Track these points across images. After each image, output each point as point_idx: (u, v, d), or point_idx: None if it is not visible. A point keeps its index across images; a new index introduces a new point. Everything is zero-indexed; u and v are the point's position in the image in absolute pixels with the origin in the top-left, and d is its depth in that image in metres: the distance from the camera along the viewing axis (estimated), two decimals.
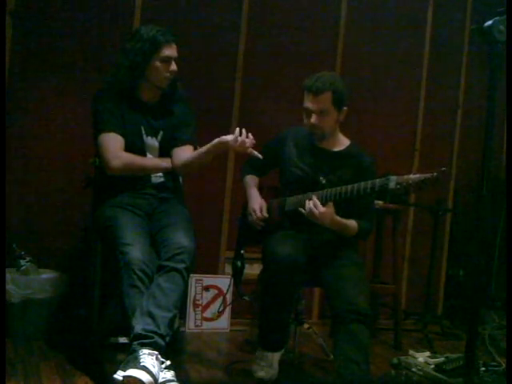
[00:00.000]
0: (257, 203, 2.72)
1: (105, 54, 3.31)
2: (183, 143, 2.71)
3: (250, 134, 2.44)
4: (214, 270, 3.63)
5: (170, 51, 2.63)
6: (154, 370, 2.15)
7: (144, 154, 2.69)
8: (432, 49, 4.17)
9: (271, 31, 3.74)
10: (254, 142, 2.44)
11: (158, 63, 2.61)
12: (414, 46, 4.15)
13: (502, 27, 1.72)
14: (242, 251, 2.77)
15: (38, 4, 3.24)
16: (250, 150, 2.46)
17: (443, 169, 2.24)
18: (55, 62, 3.27)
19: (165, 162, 2.71)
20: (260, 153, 2.54)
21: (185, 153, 2.69)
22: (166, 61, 2.62)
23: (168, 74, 2.65)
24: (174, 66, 2.65)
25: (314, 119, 2.56)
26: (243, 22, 3.65)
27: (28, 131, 3.24)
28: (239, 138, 2.42)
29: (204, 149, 2.55)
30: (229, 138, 2.45)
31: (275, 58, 3.75)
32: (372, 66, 3.98)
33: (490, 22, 1.73)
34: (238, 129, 2.43)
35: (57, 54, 3.27)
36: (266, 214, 2.68)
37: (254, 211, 2.69)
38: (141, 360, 2.16)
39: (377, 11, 3.98)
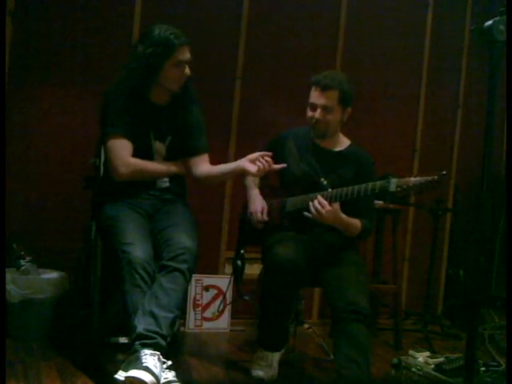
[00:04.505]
0: (258, 205, 2.71)
1: (105, 54, 3.31)
2: (201, 152, 2.70)
3: (265, 158, 2.47)
4: (214, 269, 3.63)
5: (184, 55, 2.54)
6: (156, 371, 2.15)
7: (151, 158, 2.66)
8: (432, 49, 4.17)
9: (271, 31, 3.74)
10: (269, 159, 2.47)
11: (171, 68, 2.52)
12: (414, 46, 4.15)
13: (501, 27, 1.72)
14: (242, 251, 2.78)
15: (38, 4, 3.23)
16: (270, 168, 2.48)
17: (444, 172, 2.23)
18: (55, 62, 3.27)
19: (173, 167, 2.69)
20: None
21: (205, 163, 2.68)
22: (180, 65, 2.54)
23: (181, 79, 2.58)
24: (187, 70, 2.57)
25: (318, 114, 2.57)
26: (243, 22, 3.65)
27: (28, 131, 3.24)
28: (259, 165, 2.45)
29: (229, 169, 2.60)
30: (251, 169, 2.46)
31: (275, 58, 3.75)
32: (372, 66, 3.98)
33: (489, 22, 1.73)
34: (258, 162, 2.47)
35: (57, 54, 3.27)
36: (266, 218, 2.67)
37: (255, 213, 2.69)
38: (143, 360, 2.16)
39: (377, 11, 3.98)
